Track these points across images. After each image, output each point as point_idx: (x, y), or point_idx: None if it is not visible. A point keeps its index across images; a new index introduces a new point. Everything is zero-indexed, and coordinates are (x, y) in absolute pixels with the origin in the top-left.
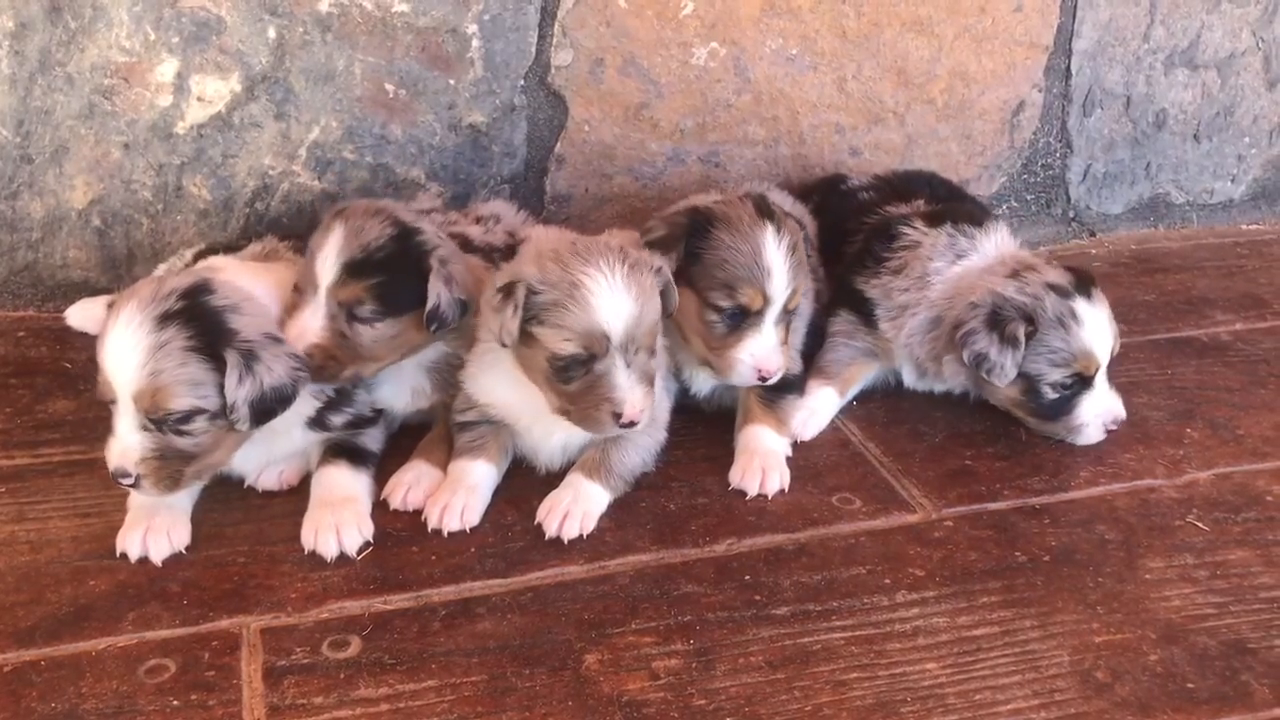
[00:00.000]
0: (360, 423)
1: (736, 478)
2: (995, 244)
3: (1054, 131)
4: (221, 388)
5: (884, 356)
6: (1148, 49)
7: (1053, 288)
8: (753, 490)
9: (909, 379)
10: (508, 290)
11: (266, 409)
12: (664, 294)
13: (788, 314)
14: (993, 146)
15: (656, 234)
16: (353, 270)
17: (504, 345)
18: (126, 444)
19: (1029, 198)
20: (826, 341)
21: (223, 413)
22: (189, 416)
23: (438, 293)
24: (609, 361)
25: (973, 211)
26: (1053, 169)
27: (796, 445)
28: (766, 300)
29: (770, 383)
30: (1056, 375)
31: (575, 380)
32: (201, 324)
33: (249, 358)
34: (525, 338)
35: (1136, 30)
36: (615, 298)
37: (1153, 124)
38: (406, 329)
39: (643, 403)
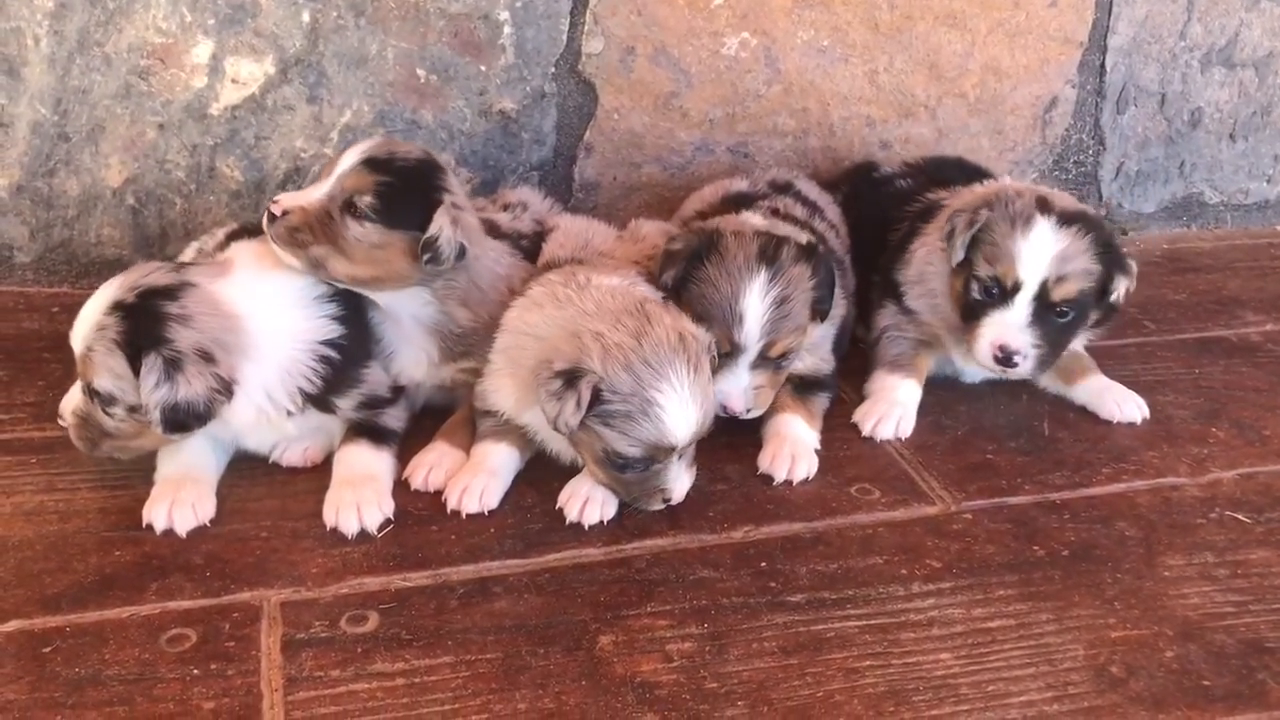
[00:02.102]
0: (375, 403)
1: (765, 463)
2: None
3: (1087, 128)
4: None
5: (935, 343)
6: (1184, 46)
7: (1040, 200)
8: (780, 476)
9: (960, 359)
10: (570, 380)
11: (179, 420)
12: (713, 358)
13: (772, 361)
14: (1024, 142)
15: (675, 246)
16: (370, 165)
17: (556, 430)
18: (71, 393)
19: None
20: (882, 338)
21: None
22: (109, 400)
23: (441, 225)
24: (667, 462)
25: None
26: (1085, 166)
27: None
28: (735, 347)
29: (751, 414)
30: (983, 271)
31: (630, 473)
32: (136, 324)
33: (171, 366)
34: (584, 425)
35: (1173, 27)
36: (686, 414)
37: (1187, 122)
38: (392, 246)
39: (689, 484)
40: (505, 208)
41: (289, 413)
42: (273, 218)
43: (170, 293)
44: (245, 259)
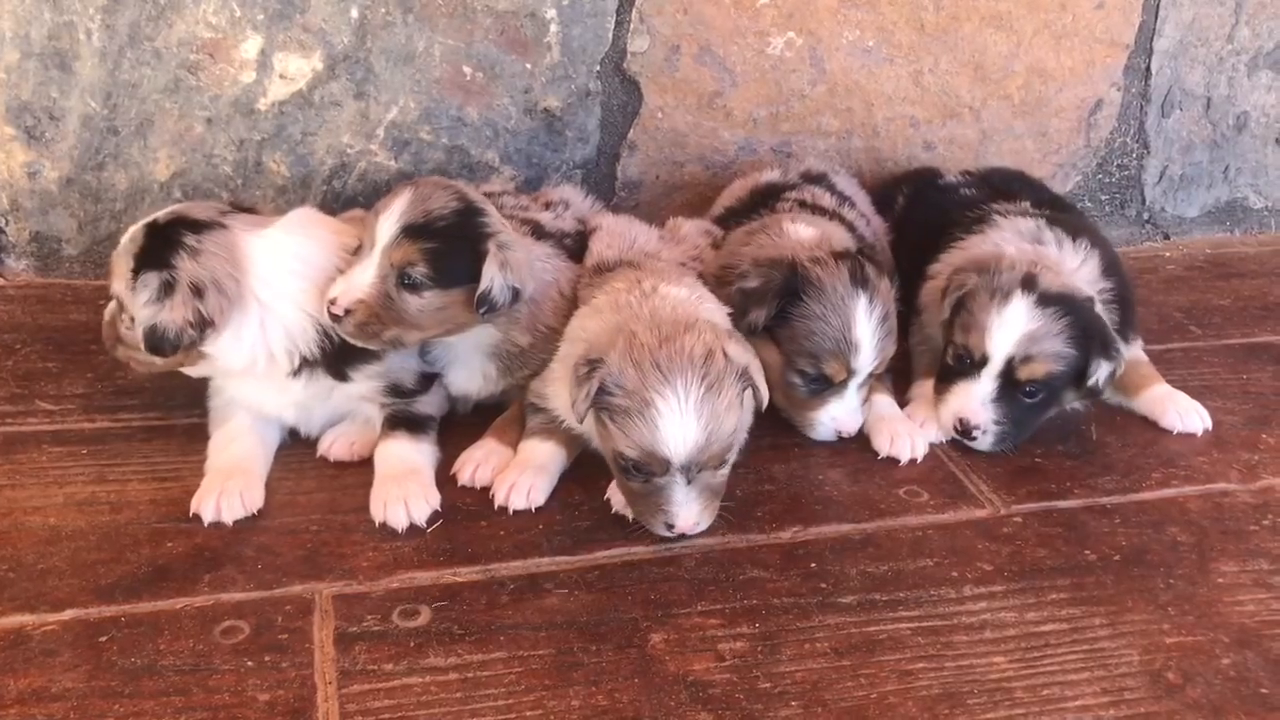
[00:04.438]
0: (402, 391)
1: (885, 446)
2: (1080, 256)
3: (1131, 132)
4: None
5: None
6: (1231, 50)
7: (1027, 278)
8: (905, 456)
9: None
10: (590, 370)
11: (154, 342)
12: (754, 391)
13: (870, 377)
14: (1068, 145)
15: (751, 284)
16: (411, 233)
17: (576, 419)
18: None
19: (1103, 198)
20: (915, 351)
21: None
22: (120, 305)
23: (491, 276)
24: (668, 480)
25: (1081, 225)
26: (1128, 169)
27: (864, 438)
28: (851, 373)
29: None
30: (958, 338)
31: (635, 480)
32: (151, 244)
33: (165, 289)
34: (598, 418)
35: (1220, 31)
36: (682, 426)
37: (1233, 127)
38: (453, 304)
39: (699, 516)
40: (547, 206)
41: (293, 373)
42: (336, 318)
43: (197, 226)
44: (292, 220)
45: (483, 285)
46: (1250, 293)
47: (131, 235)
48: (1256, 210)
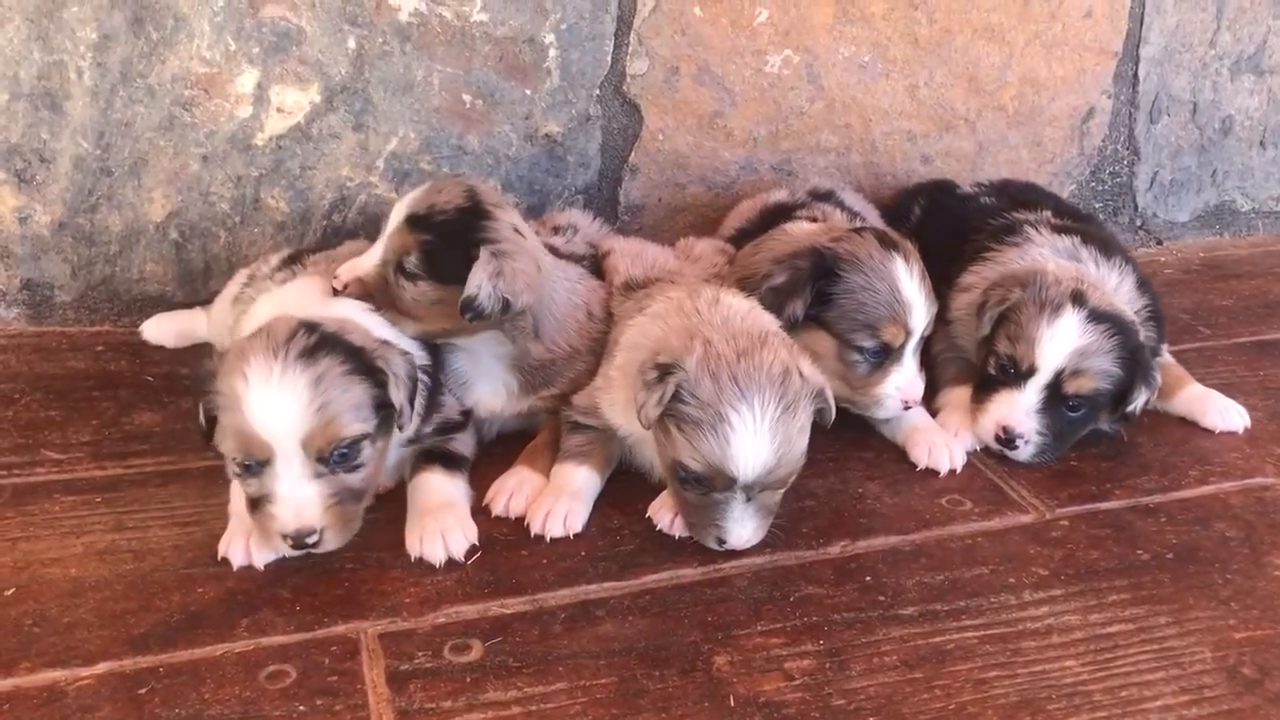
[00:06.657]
0: (448, 427)
1: (924, 458)
2: (1118, 275)
3: (1122, 139)
4: (374, 407)
5: None
6: (1214, 55)
7: (1076, 293)
8: (945, 467)
9: None
10: (663, 374)
11: (414, 400)
12: (821, 412)
13: (921, 339)
14: (1062, 154)
15: (778, 281)
16: (412, 223)
17: (640, 423)
18: (300, 498)
19: (1097, 205)
20: (937, 361)
21: (381, 429)
22: (357, 444)
23: (478, 283)
24: (728, 496)
25: (1108, 239)
26: (1120, 176)
27: (898, 450)
28: (909, 334)
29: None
30: (1003, 348)
31: (692, 492)
32: (346, 350)
33: (387, 364)
34: (662, 424)
35: (1203, 36)
36: (754, 446)
37: (1219, 131)
38: (448, 300)
39: (753, 535)
40: (555, 230)
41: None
42: (336, 292)
43: (329, 327)
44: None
45: (467, 290)
46: (1250, 292)
47: (312, 377)
48: (1244, 213)
